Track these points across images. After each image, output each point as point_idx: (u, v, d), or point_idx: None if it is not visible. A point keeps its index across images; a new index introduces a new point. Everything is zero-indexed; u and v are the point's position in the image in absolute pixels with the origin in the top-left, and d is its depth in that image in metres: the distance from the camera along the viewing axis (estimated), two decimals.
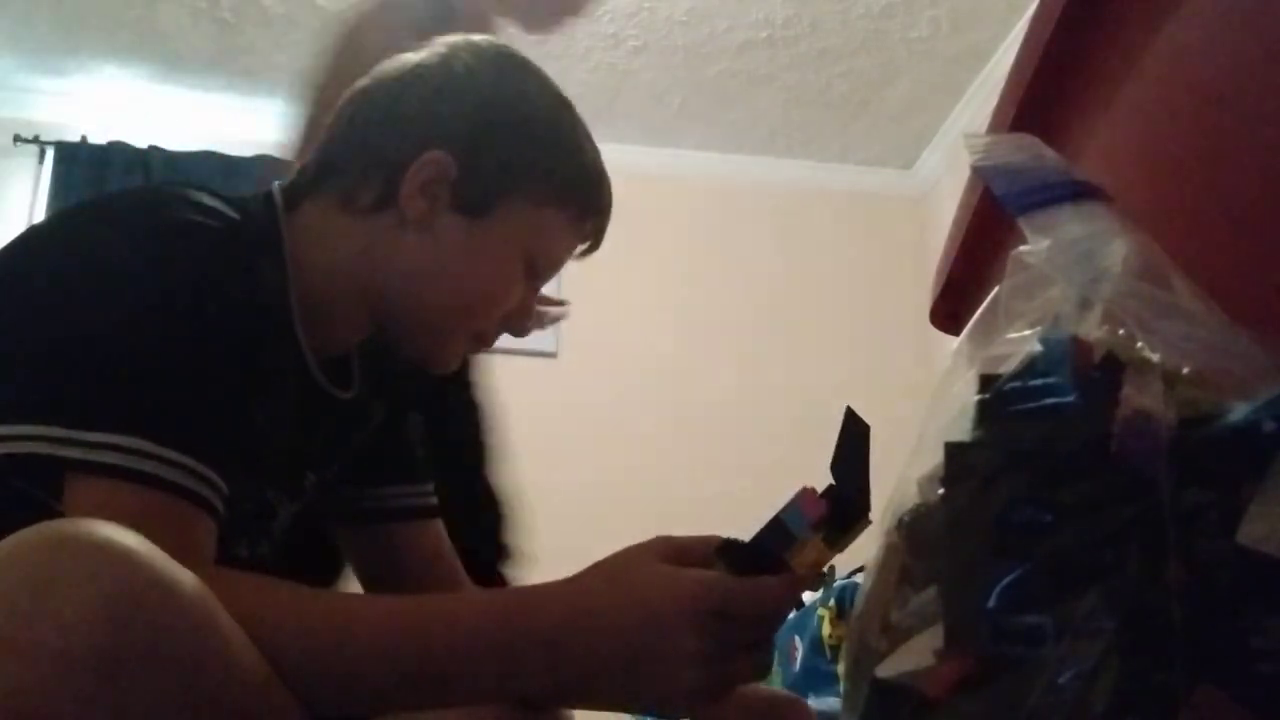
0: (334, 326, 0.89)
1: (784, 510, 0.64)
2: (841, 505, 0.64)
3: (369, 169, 0.86)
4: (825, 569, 0.66)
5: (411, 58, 0.90)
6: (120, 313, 0.69)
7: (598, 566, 0.67)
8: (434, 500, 1.06)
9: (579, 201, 0.90)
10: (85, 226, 0.75)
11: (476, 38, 0.92)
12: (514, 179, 0.87)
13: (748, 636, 0.65)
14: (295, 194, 0.89)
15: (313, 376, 0.88)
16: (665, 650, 0.63)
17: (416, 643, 0.65)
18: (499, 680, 0.67)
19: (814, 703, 2.05)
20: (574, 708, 0.97)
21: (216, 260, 0.73)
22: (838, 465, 0.65)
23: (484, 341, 0.93)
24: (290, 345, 0.85)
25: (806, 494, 0.64)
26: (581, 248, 0.95)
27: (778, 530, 0.64)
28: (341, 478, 0.99)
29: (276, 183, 0.90)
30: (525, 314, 0.93)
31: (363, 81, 0.90)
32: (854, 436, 0.65)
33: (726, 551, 0.65)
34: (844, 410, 0.66)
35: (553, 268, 0.93)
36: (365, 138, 0.88)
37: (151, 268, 0.71)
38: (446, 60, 0.88)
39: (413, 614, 0.68)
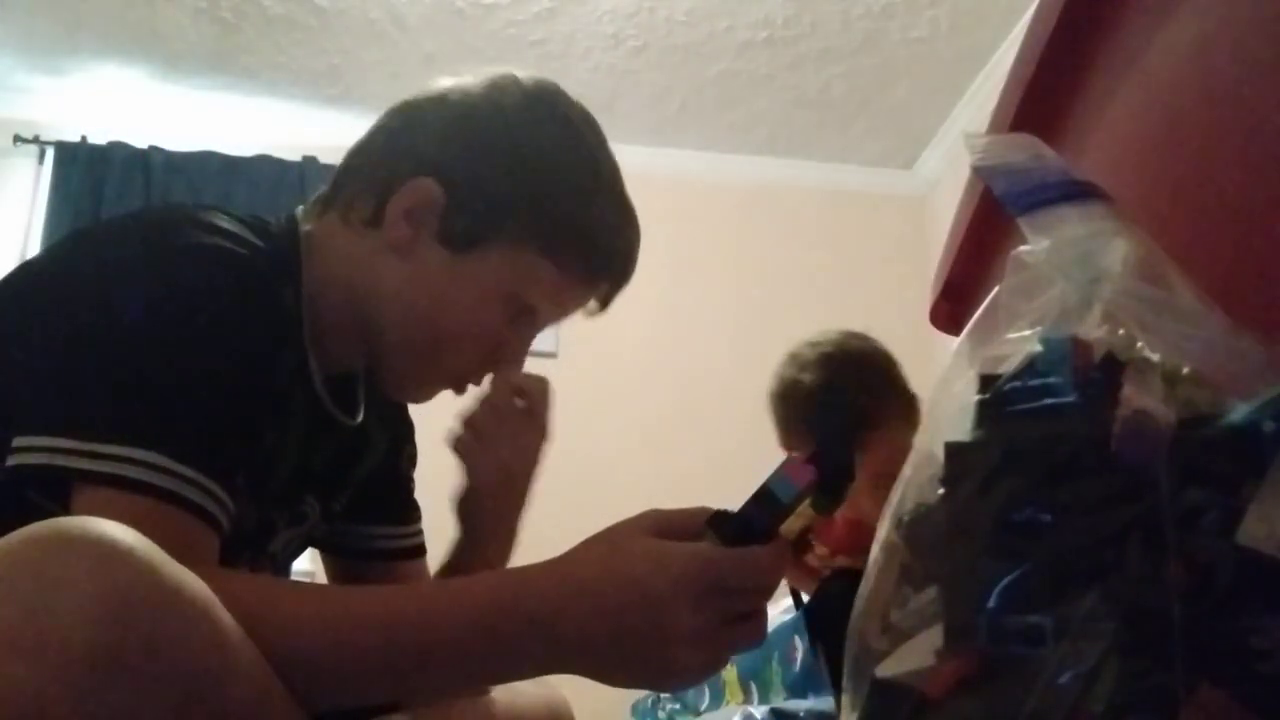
0: (338, 344, 0.89)
1: (771, 479, 0.63)
2: (828, 471, 0.63)
3: (368, 183, 0.87)
4: (812, 534, 0.66)
5: (455, 81, 0.89)
6: (136, 331, 0.70)
7: (588, 543, 0.67)
8: (421, 540, 1.07)
9: (576, 258, 0.88)
10: (106, 246, 0.76)
11: (534, 77, 0.91)
12: (501, 219, 0.85)
13: (741, 607, 0.65)
14: (319, 206, 0.90)
15: (319, 398, 0.88)
16: (659, 628, 0.62)
17: (411, 634, 0.65)
18: (496, 664, 0.67)
19: (814, 703, 2.05)
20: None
21: (232, 283, 0.74)
22: (821, 432, 0.64)
23: (463, 382, 0.92)
24: (300, 366, 0.85)
25: (792, 461, 0.63)
26: (592, 307, 0.94)
27: (766, 499, 0.63)
28: (342, 513, 0.99)
29: (301, 207, 0.90)
30: (510, 358, 0.92)
31: (411, 96, 0.90)
32: (836, 403, 0.65)
33: (716, 523, 0.65)
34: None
35: (548, 317, 0.91)
36: (374, 151, 0.88)
37: (169, 289, 0.71)
38: (486, 91, 0.88)
39: (406, 604, 0.68)
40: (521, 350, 0.93)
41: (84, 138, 3.39)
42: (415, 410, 1.07)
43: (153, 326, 0.70)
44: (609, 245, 0.90)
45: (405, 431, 1.07)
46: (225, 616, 0.58)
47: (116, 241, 0.76)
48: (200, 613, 0.56)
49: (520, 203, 0.85)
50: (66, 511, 0.65)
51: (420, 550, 1.06)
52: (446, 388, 0.92)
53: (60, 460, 0.66)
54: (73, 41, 3.21)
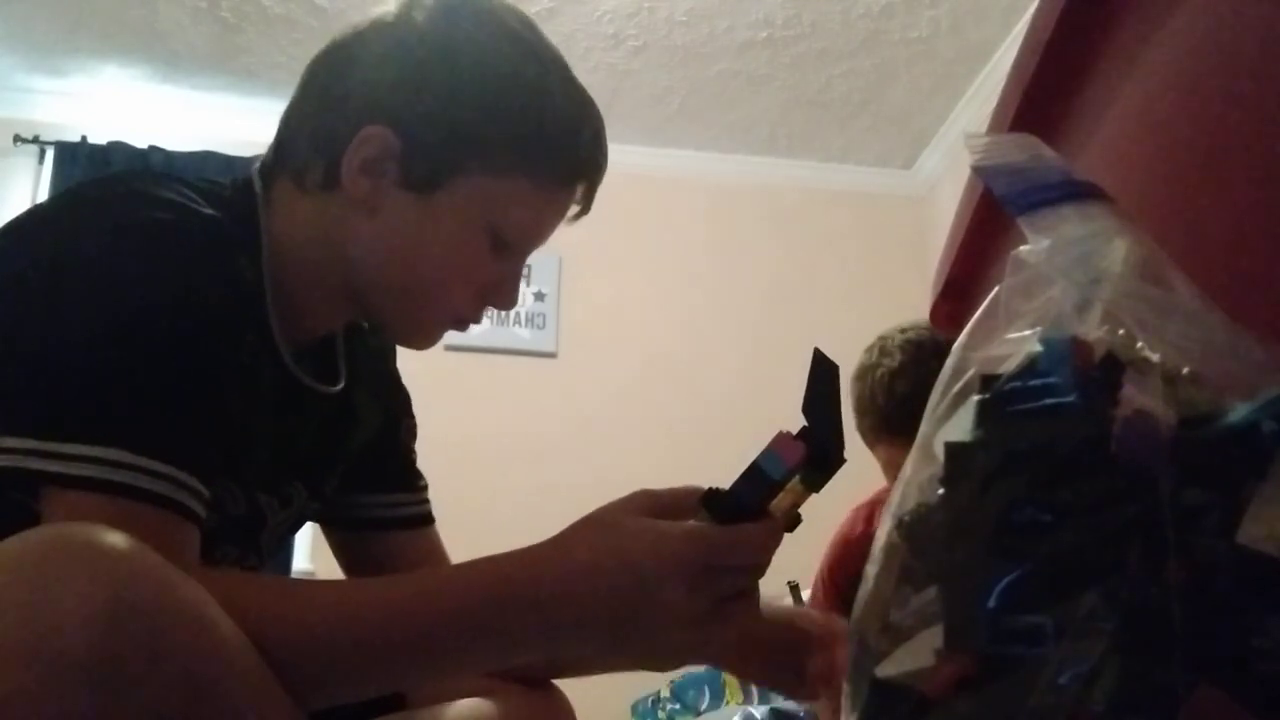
0: (307, 311, 0.86)
1: (761, 456, 0.63)
2: (818, 448, 0.63)
3: (315, 146, 0.82)
4: (800, 511, 0.66)
5: (370, 14, 0.84)
6: (89, 321, 0.67)
7: (581, 525, 0.67)
8: (429, 507, 1.04)
9: (548, 165, 0.83)
10: (48, 233, 0.73)
11: None
12: (463, 150, 0.80)
13: (735, 585, 0.65)
14: (266, 173, 0.85)
15: (288, 370, 0.85)
16: (655, 608, 0.62)
17: (406, 622, 0.65)
18: (492, 650, 0.67)
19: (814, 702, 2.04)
20: (568, 675, 0.97)
21: (185, 260, 0.71)
22: (810, 407, 0.64)
23: (463, 320, 0.88)
24: (263, 336, 0.81)
25: (782, 438, 0.63)
26: (573, 210, 0.88)
27: (756, 477, 0.63)
28: (340, 487, 0.98)
29: (255, 165, 0.86)
30: (504, 289, 0.87)
31: (328, 41, 0.85)
32: (824, 378, 0.64)
33: (709, 501, 0.64)
34: (812, 352, 0.65)
35: (532, 238, 0.86)
36: (312, 111, 0.83)
37: (115, 273, 0.69)
38: (399, 16, 0.82)
39: (400, 593, 0.67)
40: (514, 280, 0.88)
41: (84, 138, 3.39)
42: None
43: (102, 316, 0.67)
44: (576, 139, 0.84)
45: (402, 404, 1.04)
46: (222, 618, 0.58)
47: (55, 229, 0.72)
48: (198, 616, 0.56)
49: (476, 124, 0.80)
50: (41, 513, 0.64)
51: (429, 518, 1.03)
52: (449, 329, 0.88)
53: (25, 462, 0.64)
54: (73, 41, 3.21)
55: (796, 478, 0.63)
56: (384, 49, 0.81)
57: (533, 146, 0.82)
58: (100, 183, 0.76)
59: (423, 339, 0.88)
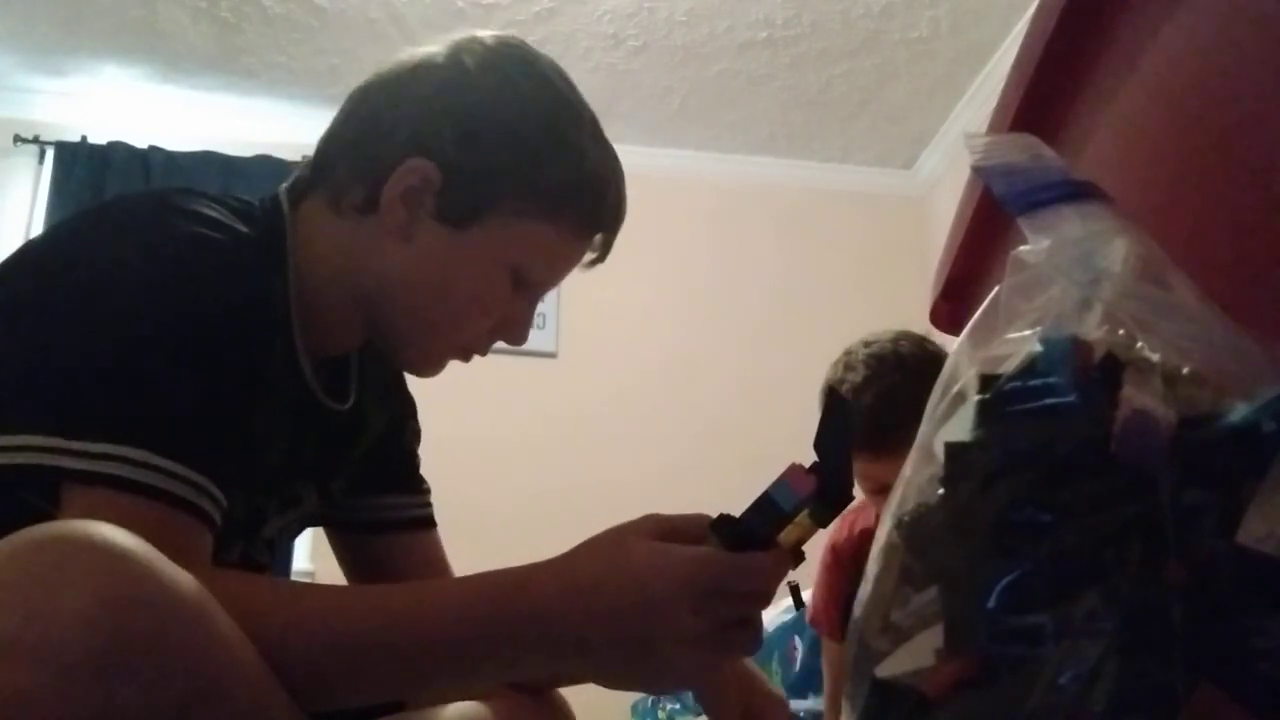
0: (329, 329, 0.88)
1: (773, 487, 0.64)
2: (828, 482, 0.64)
3: (356, 170, 0.85)
4: (805, 546, 0.67)
5: (418, 53, 0.88)
6: (121, 325, 0.69)
7: (589, 544, 0.67)
8: (431, 510, 1.06)
9: (574, 215, 0.87)
10: (87, 239, 0.75)
11: (486, 34, 0.89)
12: (498, 191, 0.84)
13: (739, 612, 0.65)
14: (298, 191, 0.88)
15: (307, 385, 0.87)
16: (662, 631, 0.62)
17: (409, 631, 0.65)
18: (494, 663, 0.67)
19: (813, 703, 2.05)
20: (564, 685, 0.97)
21: (215, 272, 0.73)
22: (821, 444, 0.65)
23: (471, 352, 0.92)
24: (288, 354, 0.84)
25: (794, 470, 0.64)
26: (589, 258, 0.92)
27: (767, 506, 0.64)
28: (347, 489, 0.99)
29: (284, 185, 0.89)
30: (517, 325, 0.91)
31: (369, 75, 0.89)
32: (837, 417, 0.65)
33: (719, 527, 0.65)
34: (825, 390, 0.67)
35: (548, 280, 0.91)
36: (357, 137, 0.86)
37: (153, 281, 0.70)
38: (450, 59, 0.86)
39: (404, 602, 0.68)
40: (527, 317, 0.92)
41: (84, 138, 3.39)
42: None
43: (136, 321, 0.69)
44: (602, 194, 0.89)
45: (407, 408, 1.06)
46: (223, 618, 0.58)
47: (94, 235, 0.74)
48: (198, 615, 0.56)
49: (514, 170, 0.84)
50: (57, 508, 0.64)
51: (431, 521, 1.05)
52: (455, 358, 0.92)
53: (48, 460, 0.65)
54: (73, 41, 3.21)
55: (805, 512, 0.64)
56: (434, 88, 0.85)
57: (564, 196, 0.86)
58: (140, 195, 0.79)
59: (431, 366, 0.91)
